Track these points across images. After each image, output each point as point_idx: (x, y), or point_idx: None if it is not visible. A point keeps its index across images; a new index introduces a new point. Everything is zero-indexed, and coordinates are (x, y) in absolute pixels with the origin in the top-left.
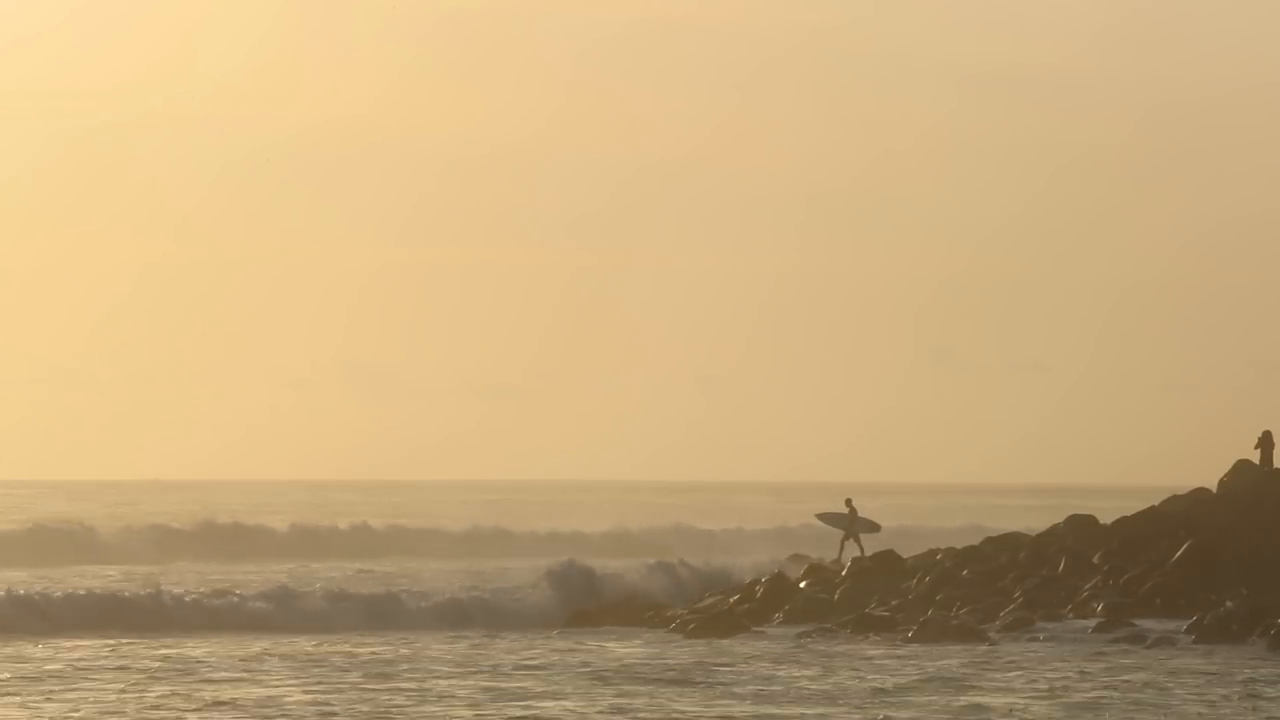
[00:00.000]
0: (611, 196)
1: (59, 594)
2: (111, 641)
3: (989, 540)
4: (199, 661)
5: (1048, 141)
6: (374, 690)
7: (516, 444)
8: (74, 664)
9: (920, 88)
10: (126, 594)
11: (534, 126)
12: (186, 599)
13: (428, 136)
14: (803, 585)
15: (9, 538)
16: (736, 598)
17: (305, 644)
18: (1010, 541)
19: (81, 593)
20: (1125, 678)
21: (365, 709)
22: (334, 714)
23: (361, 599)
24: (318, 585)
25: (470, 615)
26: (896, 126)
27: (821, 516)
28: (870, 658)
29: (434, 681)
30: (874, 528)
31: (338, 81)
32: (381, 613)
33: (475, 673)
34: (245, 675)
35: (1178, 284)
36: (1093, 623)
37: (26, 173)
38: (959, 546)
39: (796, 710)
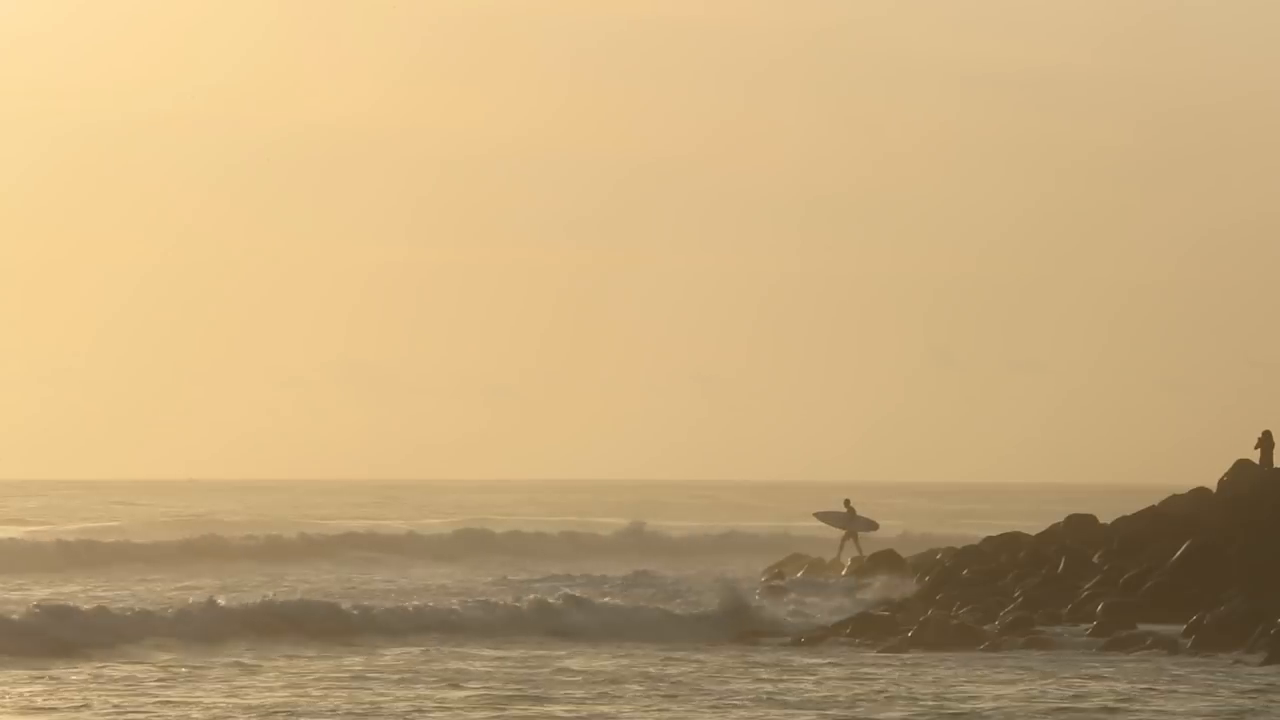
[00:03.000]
0: (613, 196)
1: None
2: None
3: (989, 540)
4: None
5: (1051, 144)
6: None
7: (517, 444)
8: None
9: (923, 89)
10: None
11: (535, 126)
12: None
13: (429, 136)
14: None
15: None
16: None
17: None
18: (1010, 541)
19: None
20: (1120, 682)
21: None
22: None
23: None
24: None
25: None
26: (899, 128)
27: (820, 515)
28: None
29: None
30: (872, 526)
31: (338, 81)
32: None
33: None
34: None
35: (1178, 285)
36: (1091, 624)
37: (28, 173)
38: (959, 546)
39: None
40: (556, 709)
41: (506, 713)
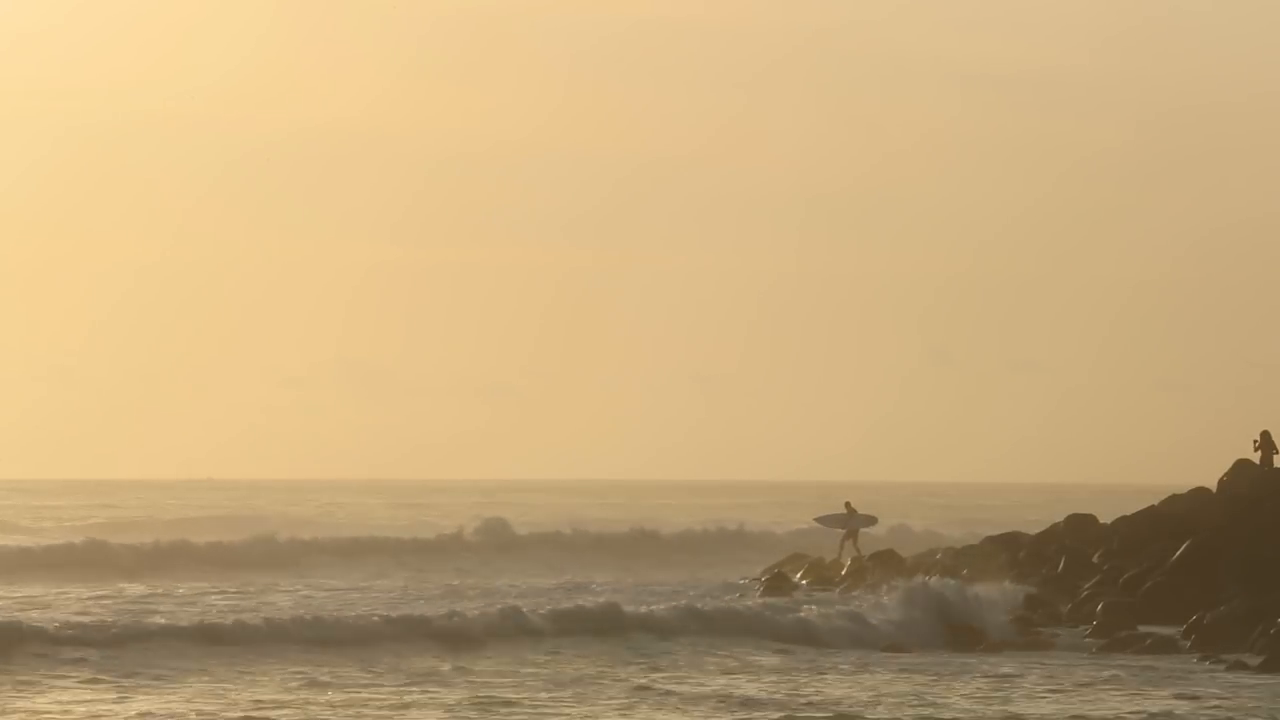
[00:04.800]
0: (611, 196)
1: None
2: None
3: (989, 540)
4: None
5: (1050, 144)
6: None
7: (514, 443)
8: None
9: (922, 89)
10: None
11: (534, 125)
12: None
13: (427, 135)
14: (802, 584)
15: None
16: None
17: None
18: (1010, 541)
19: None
20: (1113, 685)
21: None
22: None
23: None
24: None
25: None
26: (898, 127)
27: (819, 519)
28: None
29: None
30: (870, 521)
31: (336, 81)
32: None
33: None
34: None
35: (1178, 285)
36: (1091, 625)
37: (25, 172)
38: (959, 546)
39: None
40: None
41: None
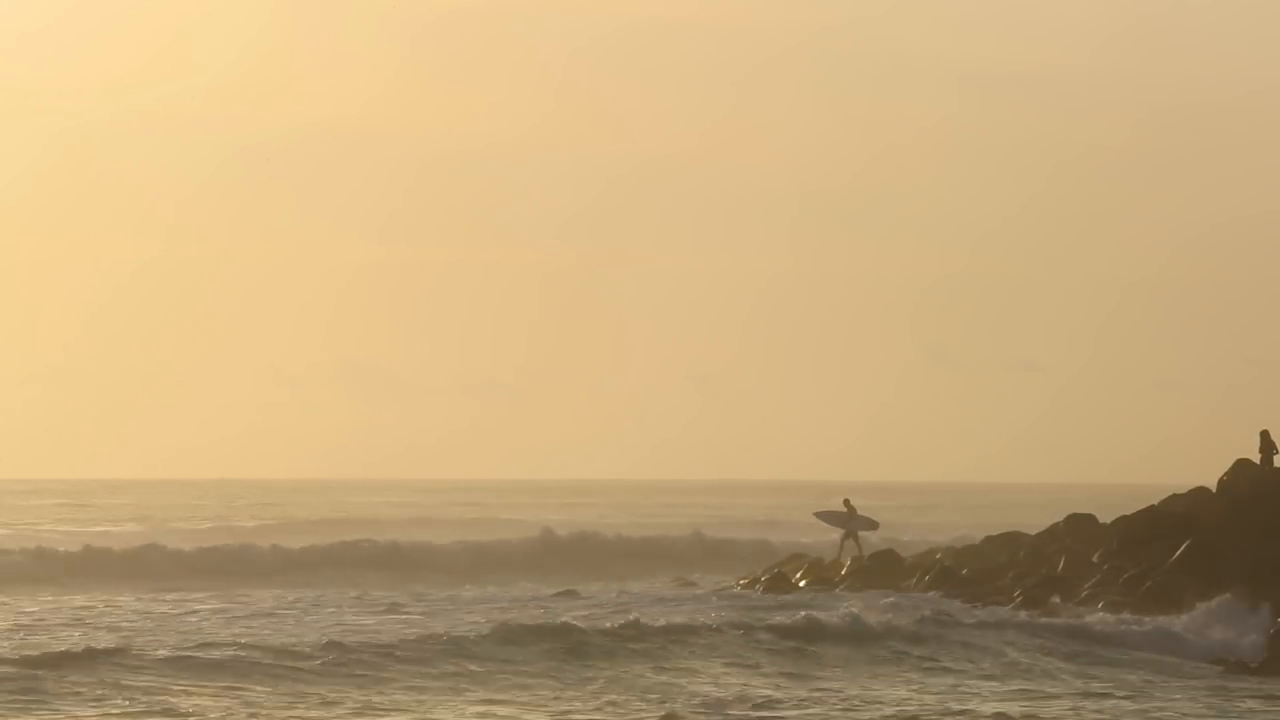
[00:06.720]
0: (606, 195)
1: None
2: None
3: (989, 540)
4: None
5: (1046, 142)
6: None
7: (510, 443)
8: None
9: (917, 87)
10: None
11: (529, 124)
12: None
13: (422, 135)
14: (801, 584)
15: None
16: None
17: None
18: (1010, 541)
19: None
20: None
21: None
22: None
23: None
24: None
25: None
26: (892, 125)
27: (820, 515)
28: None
29: None
30: (872, 525)
31: (331, 80)
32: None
33: None
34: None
35: (1175, 283)
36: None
37: (19, 171)
38: (959, 546)
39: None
40: None
41: None
